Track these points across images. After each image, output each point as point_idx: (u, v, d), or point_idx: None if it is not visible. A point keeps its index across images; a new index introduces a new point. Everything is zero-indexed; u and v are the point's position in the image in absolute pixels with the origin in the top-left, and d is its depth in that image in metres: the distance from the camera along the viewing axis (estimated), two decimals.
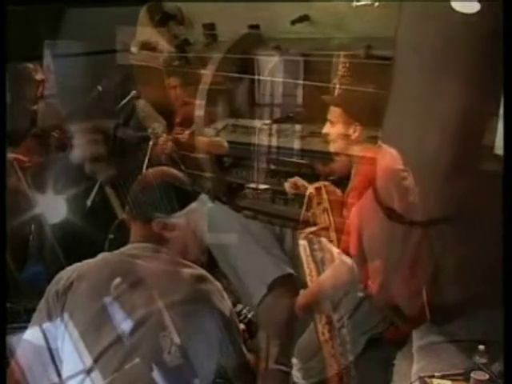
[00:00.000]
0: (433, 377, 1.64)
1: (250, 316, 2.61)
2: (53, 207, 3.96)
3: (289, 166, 1.63)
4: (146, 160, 2.38)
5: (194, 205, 2.46)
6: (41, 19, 4.15)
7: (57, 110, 4.41)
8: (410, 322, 1.27)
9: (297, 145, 1.61)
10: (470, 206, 1.08)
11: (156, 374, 2.12)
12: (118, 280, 2.21)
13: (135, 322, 2.16)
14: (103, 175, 2.10)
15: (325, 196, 1.50)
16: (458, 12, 1.01)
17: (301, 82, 1.70)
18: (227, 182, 1.74)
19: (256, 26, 1.83)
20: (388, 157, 1.07)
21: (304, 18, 1.70)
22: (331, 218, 1.45)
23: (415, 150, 1.06)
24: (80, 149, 2.15)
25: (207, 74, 1.70)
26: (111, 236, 3.61)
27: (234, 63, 1.76)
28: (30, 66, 4.19)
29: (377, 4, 1.56)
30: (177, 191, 2.28)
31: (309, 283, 2.21)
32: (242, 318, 2.60)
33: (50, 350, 2.24)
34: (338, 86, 1.59)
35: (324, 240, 1.66)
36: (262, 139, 1.63)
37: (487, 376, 1.56)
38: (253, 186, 1.72)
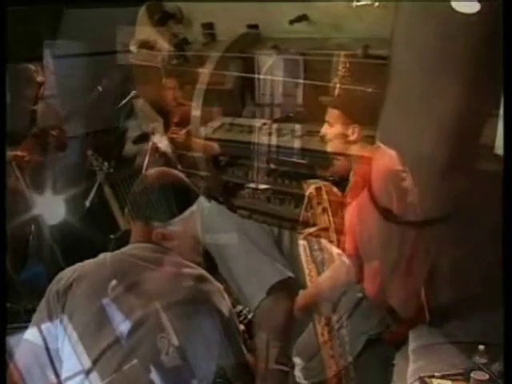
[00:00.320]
0: (433, 377, 1.63)
1: (249, 317, 2.62)
2: (51, 208, 3.96)
3: (286, 166, 1.62)
4: (146, 160, 2.38)
5: (192, 208, 2.47)
6: (40, 20, 4.15)
7: (56, 110, 4.42)
8: (405, 324, 1.27)
9: (295, 144, 1.60)
10: (466, 205, 1.08)
11: (154, 375, 2.12)
12: (114, 282, 2.21)
13: (133, 324, 2.16)
14: None
15: (325, 196, 1.49)
16: (455, 11, 1.01)
17: (299, 81, 1.69)
18: (223, 181, 1.74)
19: (255, 26, 1.83)
20: (386, 157, 1.07)
21: (302, 18, 1.70)
22: (331, 219, 1.45)
23: (411, 149, 1.05)
24: None
25: (205, 72, 1.71)
26: (112, 236, 3.61)
27: (232, 63, 1.76)
28: (31, 66, 4.21)
29: (377, 4, 1.56)
30: (176, 193, 2.29)
31: (308, 284, 2.22)
32: (241, 318, 2.60)
33: (50, 350, 2.24)
34: (337, 87, 1.59)
35: (323, 240, 1.67)
36: (259, 138, 1.62)
37: (487, 376, 1.56)
38: (249, 185, 1.72)
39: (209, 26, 1.88)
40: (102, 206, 4.36)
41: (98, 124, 4.42)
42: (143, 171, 2.74)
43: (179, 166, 1.83)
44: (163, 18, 2.01)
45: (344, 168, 1.55)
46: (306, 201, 1.51)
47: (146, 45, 2.00)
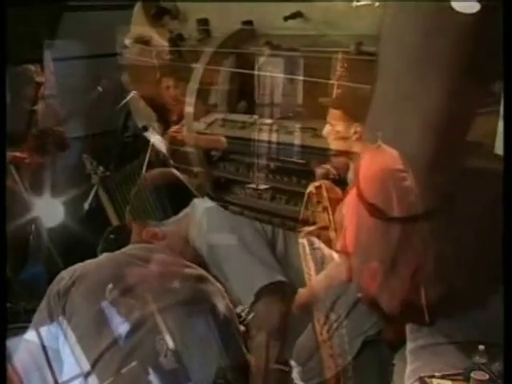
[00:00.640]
0: (433, 377, 1.63)
1: (250, 317, 2.62)
2: (50, 210, 3.97)
3: (281, 162, 1.63)
4: (146, 160, 2.39)
5: (186, 210, 2.48)
6: (40, 21, 4.16)
7: (56, 110, 4.42)
8: (395, 321, 1.27)
9: (291, 140, 1.61)
10: (451, 202, 1.08)
11: (152, 378, 2.12)
12: (111, 285, 2.21)
13: (132, 325, 2.16)
14: None
15: (325, 195, 1.50)
16: (441, 9, 1.01)
17: (295, 77, 1.70)
18: (215, 176, 1.74)
19: (249, 22, 1.84)
20: (387, 157, 1.07)
21: (297, 15, 1.70)
22: (331, 217, 1.46)
23: (396, 145, 1.06)
24: None
25: (198, 68, 1.71)
26: (111, 236, 3.62)
27: (226, 59, 1.77)
28: (31, 67, 4.21)
29: (377, 4, 1.56)
30: (171, 194, 2.29)
31: (307, 282, 2.22)
32: (242, 319, 2.61)
33: (50, 350, 2.24)
34: (336, 87, 1.59)
35: (317, 241, 1.67)
36: (253, 134, 1.63)
37: (487, 376, 1.56)
38: (241, 181, 1.73)
39: (204, 22, 1.89)
40: (101, 208, 4.37)
41: (98, 124, 4.42)
42: (143, 171, 2.75)
43: (171, 162, 1.84)
44: (159, 14, 2.02)
45: (343, 167, 1.56)
46: (305, 199, 1.51)
47: (141, 40, 2.01)
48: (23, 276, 4.28)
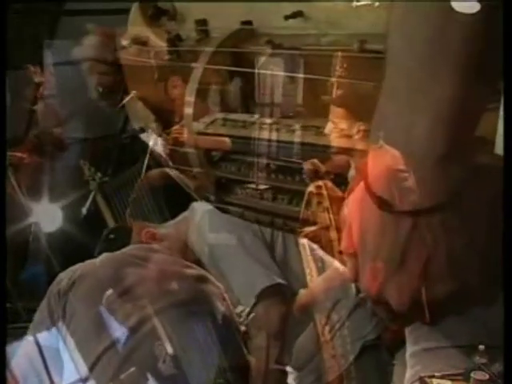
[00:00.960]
0: (433, 377, 1.63)
1: (250, 318, 2.61)
2: (48, 215, 3.97)
3: (282, 161, 1.62)
4: (146, 161, 2.38)
5: (185, 213, 2.47)
6: (38, 26, 4.16)
7: (56, 110, 4.43)
8: (401, 320, 1.26)
9: (292, 138, 1.59)
10: (463, 195, 1.08)
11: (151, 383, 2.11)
12: (109, 292, 2.21)
13: (129, 329, 2.15)
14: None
15: (325, 194, 1.48)
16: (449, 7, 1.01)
17: (296, 75, 1.68)
18: (216, 177, 1.73)
19: (249, 22, 1.83)
20: (389, 157, 1.06)
21: (298, 14, 1.69)
22: (332, 217, 1.44)
23: (406, 137, 1.06)
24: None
25: (197, 68, 1.70)
26: (111, 236, 3.62)
27: (226, 58, 1.76)
28: (30, 67, 4.21)
29: (377, 4, 1.55)
30: (172, 195, 2.28)
31: (308, 283, 2.22)
32: (242, 319, 2.60)
33: (50, 353, 2.23)
34: (337, 85, 1.58)
35: (315, 246, 1.66)
36: (254, 133, 1.62)
37: (487, 376, 1.55)
38: (243, 181, 1.71)
39: (202, 23, 1.88)
40: (96, 214, 4.38)
41: (97, 127, 4.43)
42: (143, 173, 2.74)
43: (170, 163, 1.83)
44: (156, 15, 2.01)
45: (344, 166, 1.54)
46: (305, 199, 1.50)
47: (138, 41, 2.00)
48: (23, 276, 4.28)
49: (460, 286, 1.13)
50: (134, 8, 2.08)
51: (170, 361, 2.17)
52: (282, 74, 1.67)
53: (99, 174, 4.43)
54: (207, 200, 1.81)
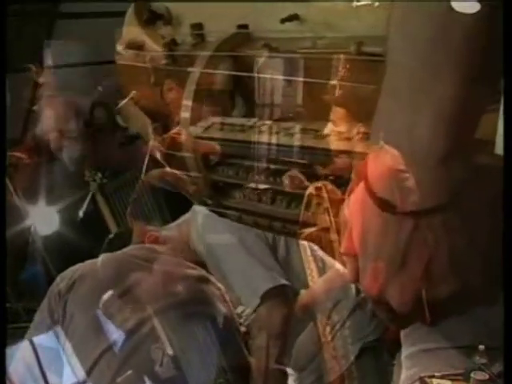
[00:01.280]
0: (433, 377, 1.63)
1: (250, 318, 2.62)
2: (44, 219, 3.97)
3: (280, 164, 1.61)
4: (146, 162, 2.38)
5: (187, 215, 2.47)
6: (34, 26, 4.16)
7: (56, 110, 4.42)
8: (399, 320, 1.26)
9: (290, 142, 1.59)
10: (463, 195, 1.08)
11: None
12: (105, 295, 2.21)
13: (127, 332, 2.16)
14: (70, 154, 2.08)
15: (325, 196, 1.48)
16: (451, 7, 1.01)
17: (294, 78, 1.68)
18: (213, 181, 1.73)
19: (245, 26, 1.82)
20: (389, 157, 1.07)
21: (294, 17, 1.69)
22: (332, 219, 1.44)
23: (408, 137, 1.06)
24: (47, 122, 2.13)
25: (194, 73, 1.70)
26: (111, 236, 3.62)
27: (223, 63, 1.75)
28: (31, 67, 4.22)
29: (376, 4, 1.55)
30: (174, 196, 2.28)
31: (309, 284, 2.22)
32: (243, 320, 2.60)
33: (50, 354, 2.24)
34: (340, 85, 1.57)
35: (316, 247, 1.65)
36: (252, 136, 1.61)
37: (487, 376, 1.56)
38: (241, 184, 1.71)
39: (198, 27, 1.87)
40: (96, 216, 4.38)
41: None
42: (142, 175, 2.74)
43: (167, 167, 1.83)
44: (151, 19, 2.00)
45: (346, 167, 1.54)
46: (305, 200, 1.49)
47: (133, 45, 1.99)
48: (23, 276, 4.29)
49: (461, 287, 1.14)
50: (129, 12, 2.08)
51: (168, 363, 2.18)
52: (281, 77, 1.67)
53: (99, 175, 4.43)
54: (204, 204, 1.80)
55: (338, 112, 1.65)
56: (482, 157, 1.12)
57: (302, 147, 1.52)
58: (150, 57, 1.90)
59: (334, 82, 1.53)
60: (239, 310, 2.76)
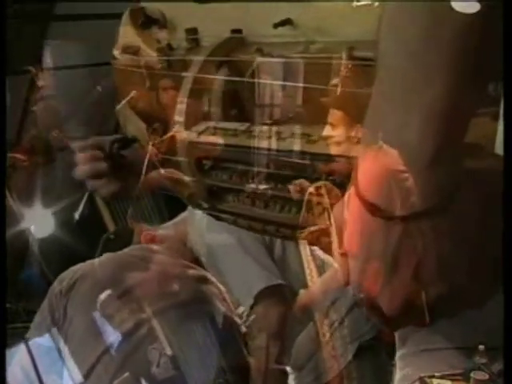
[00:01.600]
0: (433, 377, 1.64)
1: (251, 318, 2.62)
2: (40, 221, 3.97)
3: (273, 168, 1.62)
4: (145, 163, 2.39)
5: (184, 214, 2.48)
6: (29, 28, 4.17)
7: (56, 110, 4.43)
8: (391, 324, 1.27)
9: (283, 146, 1.60)
10: (452, 199, 1.08)
11: None
12: (103, 295, 2.22)
13: (124, 334, 2.16)
14: (105, 192, 2.09)
15: (325, 196, 1.49)
16: (440, 6, 1.02)
17: (285, 83, 1.69)
18: (207, 185, 1.74)
19: (239, 31, 1.84)
20: (389, 157, 1.07)
21: (286, 22, 1.70)
22: (332, 218, 1.45)
23: (397, 139, 1.07)
24: (81, 166, 2.15)
25: (188, 77, 1.71)
26: (111, 236, 3.63)
27: (217, 67, 1.76)
28: (31, 68, 4.22)
29: (376, 4, 1.55)
30: (172, 197, 2.29)
31: (309, 283, 2.23)
32: (243, 320, 2.61)
33: (50, 354, 2.24)
34: (339, 88, 1.58)
35: (316, 248, 1.66)
36: (245, 141, 1.63)
37: (487, 376, 1.56)
38: (234, 188, 1.73)
39: (193, 32, 1.88)
40: (93, 216, 4.37)
41: (98, 125, 4.43)
42: (142, 175, 2.75)
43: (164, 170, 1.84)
44: (146, 23, 2.02)
45: (345, 169, 1.55)
46: (305, 200, 1.50)
47: (129, 50, 2.00)
48: (23, 276, 4.30)
49: (450, 290, 1.15)
50: (125, 17, 2.09)
51: (165, 363, 2.19)
52: (275, 82, 1.68)
53: None
54: (200, 207, 1.82)
55: (335, 114, 1.66)
56: (472, 160, 1.13)
57: (295, 152, 1.53)
58: (144, 61, 1.91)
59: (333, 83, 1.54)
60: (240, 310, 2.77)
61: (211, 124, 1.69)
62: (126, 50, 1.98)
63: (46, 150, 4.22)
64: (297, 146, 1.55)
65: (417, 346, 1.75)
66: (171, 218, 2.94)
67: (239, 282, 2.85)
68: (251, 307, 2.77)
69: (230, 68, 1.74)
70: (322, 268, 2.39)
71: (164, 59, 1.84)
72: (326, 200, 1.43)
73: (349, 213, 1.16)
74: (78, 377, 2.23)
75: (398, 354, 1.84)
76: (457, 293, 1.14)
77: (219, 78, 1.73)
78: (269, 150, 1.55)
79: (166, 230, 2.77)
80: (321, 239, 1.45)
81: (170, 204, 2.85)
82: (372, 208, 1.10)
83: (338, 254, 1.22)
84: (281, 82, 1.67)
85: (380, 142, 1.07)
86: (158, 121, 1.87)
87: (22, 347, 2.34)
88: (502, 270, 1.09)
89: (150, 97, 1.93)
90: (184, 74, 1.74)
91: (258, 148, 1.57)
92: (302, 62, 1.65)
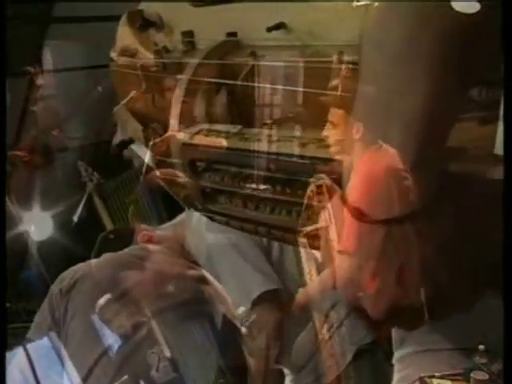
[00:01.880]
0: (433, 377, 1.65)
1: (251, 319, 2.62)
2: (39, 223, 3.96)
3: (264, 171, 1.64)
4: (145, 164, 2.41)
5: (182, 216, 2.48)
6: (28, 30, 4.17)
7: (56, 110, 4.43)
8: (377, 327, 1.28)
9: (273, 149, 1.61)
10: (435, 203, 1.09)
11: None
12: (102, 300, 2.22)
13: (123, 337, 2.17)
14: None
15: (326, 194, 1.50)
16: (421, 10, 1.03)
17: (278, 87, 1.71)
18: (200, 186, 1.76)
19: (234, 34, 1.85)
20: (389, 157, 1.09)
21: (280, 26, 1.72)
22: (332, 217, 1.46)
23: (377, 142, 1.08)
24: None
25: (183, 79, 1.73)
26: (111, 236, 3.63)
27: (212, 69, 1.78)
28: (31, 69, 4.22)
29: (376, 4, 1.56)
30: (171, 197, 2.30)
31: (308, 282, 2.23)
32: (244, 320, 2.61)
33: (50, 355, 2.25)
34: (339, 87, 1.59)
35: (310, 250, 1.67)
36: (237, 143, 1.64)
37: (487, 376, 1.57)
38: (227, 190, 1.74)
39: (189, 34, 1.90)
40: (92, 217, 4.37)
41: (97, 125, 4.44)
42: (142, 176, 2.76)
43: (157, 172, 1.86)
44: (144, 26, 2.03)
45: (336, 170, 1.56)
46: (306, 199, 1.51)
47: (126, 52, 2.02)
48: (23, 276, 4.30)
49: (434, 293, 1.15)
50: (123, 19, 2.11)
51: (164, 367, 2.19)
52: (268, 86, 1.69)
53: (96, 175, 4.42)
54: (195, 208, 1.83)
55: (336, 113, 1.67)
56: (455, 165, 1.14)
57: (285, 154, 1.54)
58: (140, 64, 1.92)
59: (333, 84, 1.55)
60: (240, 311, 2.77)
61: (205, 126, 1.70)
62: (124, 52, 2.00)
63: (45, 150, 4.23)
64: (288, 148, 1.56)
65: (416, 346, 1.76)
66: (169, 218, 2.94)
67: (237, 286, 2.84)
68: (248, 312, 2.76)
69: (224, 71, 1.76)
70: (321, 265, 2.40)
71: (160, 61, 1.85)
72: (326, 198, 1.44)
73: (334, 215, 1.18)
74: (77, 380, 2.23)
75: (397, 355, 1.84)
76: (441, 296, 1.15)
77: (213, 80, 1.74)
78: (261, 152, 1.56)
79: (163, 231, 2.77)
80: (321, 236, 1.46)
81: (169, 205, 2.85)
82: (355, 212, 1.11)
83: (336, 252, 1.23)
84: (271, 86, 1.68)
85: (380, 141, 1.08)
86: (154, 122, 1.88)
87: (20, 350, 2.34)
88: (490, 272, 1.10)
89: (146, 99, 1.95)
90: (179, 76, 1.76)
91: (249, 150, 1.59)
92: (300, 65, 1.67)
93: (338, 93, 1.52)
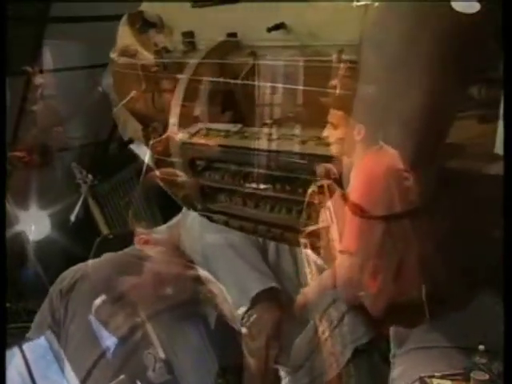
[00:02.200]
0: (433, 377, 1.66)
1: (252, 319, 2.63)
2: (36, 223, 3.97)
3: (264, 169, 1.64)
4: (145, 164, 2.42)
5: (178, 217, 2.48)
6: (25, 30, 4.17)
7: (56, 110, 4.44)
8: (377, 324, 1.28)
9: (273, 147, 1.62)
10: (433, 200, 1.10)
11: None
12: (98, 300, 2.23)
13: (120, 338, 2.17)
14: None
15: (327, 194, 1.50)
16: (419, 10, 1.03)
17: (277, 85, 1.71)
18: (200, 185, 1.76)
19: (234, 34, 1.86)
20: (389, 157, 1.09)
21: (280, 26, 1.73)
22: (333, 217, 1.47)
23: (377, 143, 1.08)
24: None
25: (183, 79, 1.73)
26: (110, 236, 3.64)
27: (212, 70, 1.78)
28: (30, 69, 4.23)
29: (376, 4, 1.57)
30: (169, 198, 2.30)
31: (309, 281, 2.24)
32: (244, 320, 2.61)
33: (50, 355, 2.26)
34: (338, 88, 1.60)
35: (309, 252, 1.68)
36: (236, 142, 1.65)
37: (487, 376, 1.58)
38: (226, 188, 1.75)
39: (189, 35, 1.91)
40: (88, 218, 4.37)
41: (97, 125, 4.44)
42: (141, 176, 2.76)
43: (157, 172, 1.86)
44: (144, 27, 2.04)
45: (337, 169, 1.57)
46: (307, 199, 1.52)
47: (126, 53, 2.03)
48: (23, 276, 4.31)
49: (432, 291, 1.16)
50: (123, 20, 2.11)
51: (161, 368, 2.19)
52: (268, 84, 1.70)
53: (90, 177, 4.41)
54: (194, 208, 1.84)
55: (336, 114, 1.67)
56: (455, 162, 1.14)
57: (285, 152, 1.55)
58: (141, 64, 1.93)
59: (333, 84, 1.55)
60: (240, 311, 2.77)
61: (204, 125, 1.71)
62: (124, 52, 2.00)
63: (44, 150, 4.23)
64: (288, 146, 1.56)
65: (415, 344, 1.77)
66: (165, 220, 2.95)
67: (235, 285, 2.84)
68: (247, 311, 2.77)
69: (224, 71, 1.77)
70: (322, 265, 2.40)
71: (160, 62, 1.86)
72: (327, 198, 1.45)
73: (334, 213, 1.18)
74: (76, 382, 2.24)
75: (395, 352, 1.85)
76: (439, 294, 1.15)
77: (213, 80, 1.75)
78: (261, 149, 1.57)
79: (159, 233, 2.77)
80: (322, 236, 1.47)
81: (165, 206, 2.85)
82: (354, 208, 1.11)
83: (337, 252, 1.23)
84: (271, 84, 1.69)
85: (380, 142, 1.09)
86: (154, 122, 1.89)
87: (17, 352, 2.34)
88: (489, 271, 1.10)
89: (146, 98, 1.95)
90: (179, 76, 1.76)
91: (249, 149, 1.59)
92: (300, 64, 1.67)
93: (337, 91, 1.53)
